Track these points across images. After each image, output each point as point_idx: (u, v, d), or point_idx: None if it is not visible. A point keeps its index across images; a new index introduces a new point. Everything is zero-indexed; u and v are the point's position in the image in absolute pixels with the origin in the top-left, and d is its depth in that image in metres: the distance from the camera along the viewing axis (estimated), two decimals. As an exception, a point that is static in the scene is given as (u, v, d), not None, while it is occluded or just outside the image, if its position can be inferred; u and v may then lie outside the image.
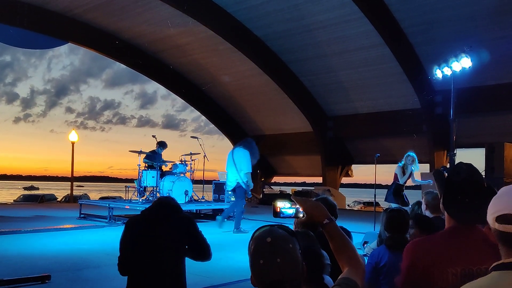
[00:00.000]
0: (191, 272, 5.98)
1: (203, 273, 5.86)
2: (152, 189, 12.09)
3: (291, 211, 1.73)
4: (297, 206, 1.72)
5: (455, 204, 1.97)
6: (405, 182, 8.58)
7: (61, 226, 10.15)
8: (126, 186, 13.21)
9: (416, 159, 8.78)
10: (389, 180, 8.87)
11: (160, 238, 2.92)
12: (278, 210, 1.73)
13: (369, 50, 14.78)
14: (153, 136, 12.55)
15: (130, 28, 16.99)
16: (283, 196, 21.57)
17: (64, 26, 16.57)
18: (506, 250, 1.31)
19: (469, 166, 2.06)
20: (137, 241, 2.87)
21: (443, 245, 1.97)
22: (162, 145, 12.40)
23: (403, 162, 8.69)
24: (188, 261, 3.20)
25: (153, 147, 12.47)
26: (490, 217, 1.34)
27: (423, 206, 3.94)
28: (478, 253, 1.92)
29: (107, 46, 18.13)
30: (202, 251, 3.13)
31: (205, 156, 12.85)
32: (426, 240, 2.07)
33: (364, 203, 32.83)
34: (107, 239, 8.77)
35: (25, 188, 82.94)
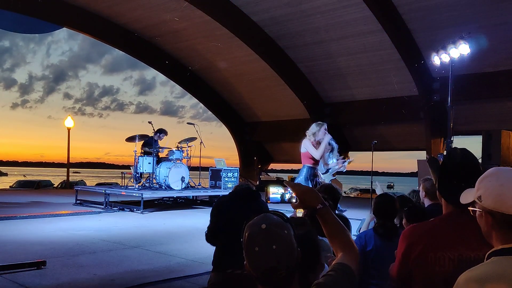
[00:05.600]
0: (189, 259, 6.00)
1: (199, 260, 5.87)
2: (148, 175, 12.09)
3: (278, 196, 1.73)
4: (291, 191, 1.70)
5: (451, 189, 1.95)
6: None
7: (57, 212, 10.15)
8: (122, 173, 13.20)
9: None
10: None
11: (244, 214, 3.05)
12: (270, 195, 1.73)
13: (367, 36, 14.66)
14: (149, 122, 12.52)
15: (125, 13, 16.76)
16: (277, 182, 21.62)
17: (58, 10, 16.32)
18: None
19: (464, 150, 2.04)
20: (226, 216, 3.39)
21: (440, 230, 1.96)
22: (162, 132, 12.38)
23: (313, 131, 6.88)
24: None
25: (150, 133, 12.44)
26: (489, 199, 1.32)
27: (422, 194, 3.88)
28: (476, 239, 1.90)
29: (102, 31, 17.90)
30: None
31: (201, 142, 12.85)
32: (423, 225, 2.06)
33: (360, 190, 32.96)
34: (103, 225, 8.78)
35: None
